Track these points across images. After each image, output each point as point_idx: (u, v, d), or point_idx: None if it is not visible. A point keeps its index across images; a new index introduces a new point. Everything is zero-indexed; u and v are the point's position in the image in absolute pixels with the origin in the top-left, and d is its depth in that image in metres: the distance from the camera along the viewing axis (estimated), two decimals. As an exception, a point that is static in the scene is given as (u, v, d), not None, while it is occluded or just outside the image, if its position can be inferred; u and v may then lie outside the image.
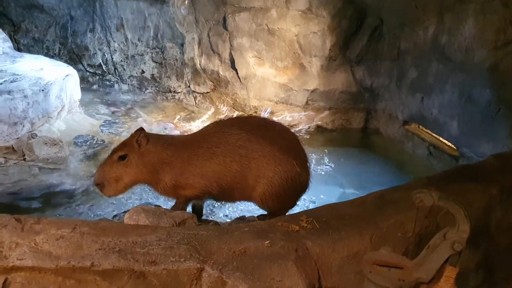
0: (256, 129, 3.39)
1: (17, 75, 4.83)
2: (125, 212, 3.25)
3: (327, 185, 4.78)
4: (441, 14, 4.82)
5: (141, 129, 3.18)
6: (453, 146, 4.88)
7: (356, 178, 4.97)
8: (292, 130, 5.72)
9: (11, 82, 4.63)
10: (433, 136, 5.21)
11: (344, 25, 5.78)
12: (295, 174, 3.41)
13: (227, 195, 3.41)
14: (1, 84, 4.54)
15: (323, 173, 5.00)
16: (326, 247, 2.43)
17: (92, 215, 3.88)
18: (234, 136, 3.27)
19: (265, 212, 3.74)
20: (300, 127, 6.09)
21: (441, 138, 5.09)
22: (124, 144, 3.10)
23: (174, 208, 3.24)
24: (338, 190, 4.68)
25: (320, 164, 5.19)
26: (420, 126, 5.42)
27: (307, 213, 2.75)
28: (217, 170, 3.19)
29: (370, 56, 5.87)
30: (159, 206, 3.43)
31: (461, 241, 1.85)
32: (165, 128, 5.60)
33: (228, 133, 3.29)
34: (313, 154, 5.38)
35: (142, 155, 3.07)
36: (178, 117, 6.14)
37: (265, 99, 6.22)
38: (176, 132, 5.55)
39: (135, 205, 3.51)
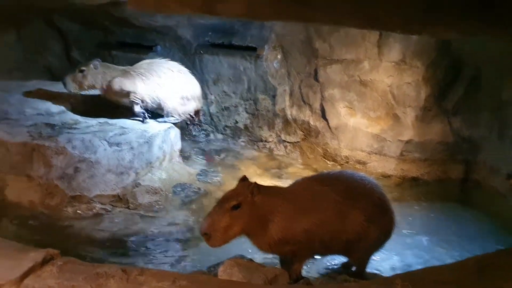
0: (349, 184, 3.53)
1: (125, 128, 5.31)
2: (219, 264, 3.37)
3: (419, 242, 4.56)
4: (547, 63, 4.57)
5: (246, 178, 3.34)
6: None
7: (453, 236, 4.68)
8: (384, 181, 5.71)
9: (120, 135, 5.09)
10: (541, 192, 4.83)
11: (439, 76, 5.65)
12: (387, 228, 3.60)
13: (325, 250, 3.50)
14: (112, 136, 5.00)
15: (417, 228, 4.78)
16: (423, 316, 2.34)
17: (188, 263, 4.05)
18: (333, 191, 3.40)
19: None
20: (394, 179, 5.94)
21: (550, 195, 4.71)
22: (236, 194, 3.20)
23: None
24: (432, 249, 4.44)
25: (414, 219, 4.98)
26: (527, 181, 5.06)
27: (402, 277, 2.68)
28: (319, 224, 3.31)
29: (468, 106, 5.65)
30: (252, 260, 3.51)
31: None
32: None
33: (328, 187, 3.43)
34: (407, 208, 5.20)
35: (255, 205, 3.17)
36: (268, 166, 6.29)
37: (357, 150, 6.18)
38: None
39: (231, 255, 3.61)
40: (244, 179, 3.36)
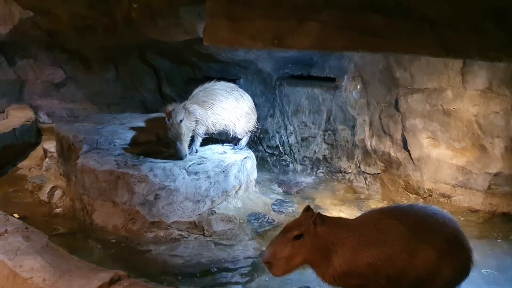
0: (420, 218, 3.39)
1: (204, 158, 5.56)
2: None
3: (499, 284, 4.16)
4: None
5: (310, 209, 3.33)
6: None
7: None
8: (471, 216, 5.35)
9: (198, 164, 5.33)
10: None
11: (531, 104, 5.25)
12: (462, 266, 3.34)
13: (393, 286, 3.36)
14: (190, 166, 5.26)
15: (499, 269, 4.35)
16: None
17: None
18: (402, 224, 3.26)
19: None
20: (482, 214, 5.53)
21: None
22: (299, 224, 3.20)
23: None
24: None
25: (503, 259, 4.56)
26: None
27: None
28: (385, 258, 3.18)
29: None
30: (316, 292, 3.45)
31: None
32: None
33: (396, 221, 3.29)
34: (491, 245, 4.80)
35: (317, 235, 3.15)
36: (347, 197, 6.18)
37: (440, 182, 5.87)
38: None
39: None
40: (307, 209, 3.36)
